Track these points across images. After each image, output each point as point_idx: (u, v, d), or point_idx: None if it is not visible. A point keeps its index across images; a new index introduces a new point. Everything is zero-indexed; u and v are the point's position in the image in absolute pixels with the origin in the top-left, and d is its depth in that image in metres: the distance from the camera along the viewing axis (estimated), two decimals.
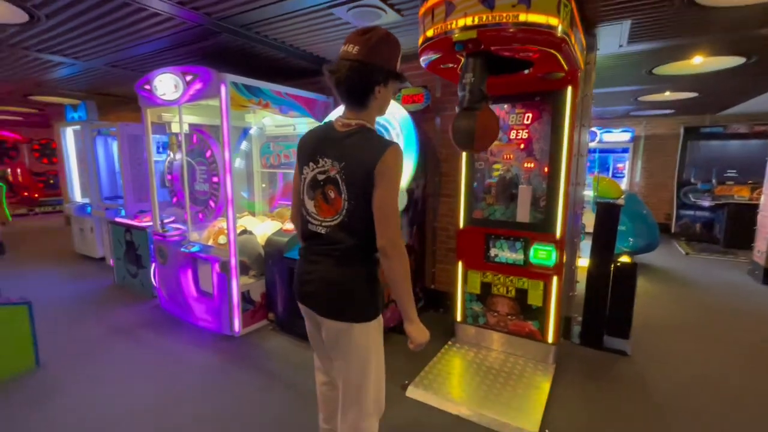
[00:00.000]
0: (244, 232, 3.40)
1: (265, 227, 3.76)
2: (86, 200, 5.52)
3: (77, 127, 5.35)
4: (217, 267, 3.08)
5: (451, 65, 2.15)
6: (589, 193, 5.17)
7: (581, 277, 3.13)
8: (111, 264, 4.70)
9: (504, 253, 2.76)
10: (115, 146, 5.32)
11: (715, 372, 2.69)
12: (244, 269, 3.21)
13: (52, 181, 10.18)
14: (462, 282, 2.94)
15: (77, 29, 2.86)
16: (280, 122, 4.18)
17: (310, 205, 1.32)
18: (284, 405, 2.31)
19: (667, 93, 5.16)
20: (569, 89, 2.39)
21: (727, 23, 2.58)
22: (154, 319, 3.53)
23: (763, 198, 4.83)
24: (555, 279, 2.57)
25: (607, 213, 2.91)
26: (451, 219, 3.51)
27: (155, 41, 3.13)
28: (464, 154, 2.84)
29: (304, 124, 3.96)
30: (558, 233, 2.53)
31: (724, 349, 3.01)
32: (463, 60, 2.03)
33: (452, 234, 3.52)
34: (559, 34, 1.75)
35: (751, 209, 5.91)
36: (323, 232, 1.29)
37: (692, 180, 6.96)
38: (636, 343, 3.00)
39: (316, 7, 2.36)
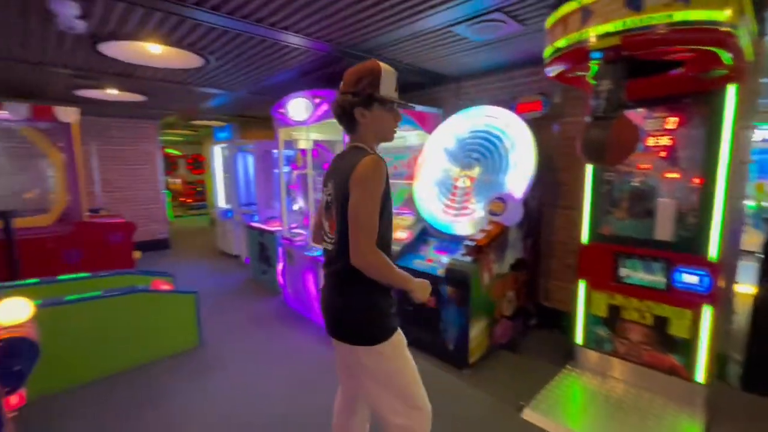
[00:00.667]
0: None
1: None
2: (228, 206, 6.55)
3: (224, 145, 6.39)
4: None
5: (580, 73, 2.02)
6: (750, 205, 4.29)
7: (740, 308, 2.61)
8: (246, 261, 5.48)
9: (638, 274, 2.47)
10: (250, 160, 6.21)
11: None
12: None
13: (199, 189, 12.31)
14: (585, 302, 2.71)
15: (235, 67, 3.45)
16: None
17: (326, 225, 1.42)
18: None
19: None
20: (731, 88, 2.04)
21: None
22: (281, 313, 4.02)
23: None
24: (709, 309, 2.20)
25: None
26: (569, 233, 3.26)
27: (289, 71, 3.59)
28: (588, 163, 2.62)
29: (415, 136, 4.10)
30: (714, 255, 2.16)
31: None
32: (595, 67, 1.90)
33: (571, 249, 3.26)
34: (724, 29, 1.52)
35: None
36: (329, 248, 1.39)
37: None
38: None
39: (435, 27, 2.45)
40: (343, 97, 1.31)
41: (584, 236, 2.68)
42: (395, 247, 3.30)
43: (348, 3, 2.14)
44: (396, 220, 4.35)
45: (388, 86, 1.31)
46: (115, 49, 2.87)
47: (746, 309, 2.54)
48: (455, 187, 3.36)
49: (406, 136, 4.25)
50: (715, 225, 2.15)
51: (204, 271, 5.69)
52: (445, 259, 2.99)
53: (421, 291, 1.38)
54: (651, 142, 2.45)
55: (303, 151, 4.04)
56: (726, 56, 1.73)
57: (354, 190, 1.23)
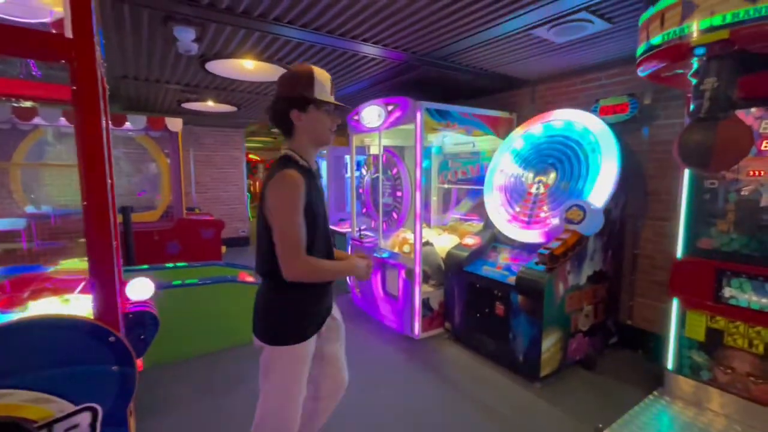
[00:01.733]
0: (426, 243, 3.68)
1: (442, 240, 3.99)
2: None
3: None
4: (402, 273, 3.44)
5: (679, 71, 1.86)
6: None
7: None
8: None
9: (745, 296, 2.18)
10: (324, 165, 6.58)
11: None
12: (425, 278, 3.48)
13: None
14: (678, 323, 2.45)
15: None
16: (459, 140, 4.38)
17: None
18: (466, 416, 2.40)
19: None
20: None
21: None
22: (349, 312, 4.18)
23: None
24: None
25: None
26: (658, 246, 2.98)
27: (364, 81, 3.77)
28: (686, 172, 2.38)
29: (486, 141, 4.05)
30: None
31: None
32: (696, 64, 1.74)
33: (658, 263, 2.98)
34: None
35: None
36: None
37: None
38: None
39: (514, 31, 2.42)
40: (277, 100, 1.36)
41: (679, 250, 2.43)
42: (463, 253, 3.28)
43: (426, 13, 2.21)
44: (464, 227, 4.33)
45: (321, 89, 1.36)
46: (218, 66, 3.27)
47: None
48: (528, 194, 3.25)
49: (475, 141, 4.22)
50: None
51: None
52: (515, 266, 2.90)
53: (358, 271, 1.47)
54: (765, 145, 2.16)
55: (375, 156, 4.20)
56: None
57: (270, 209, 1.28)
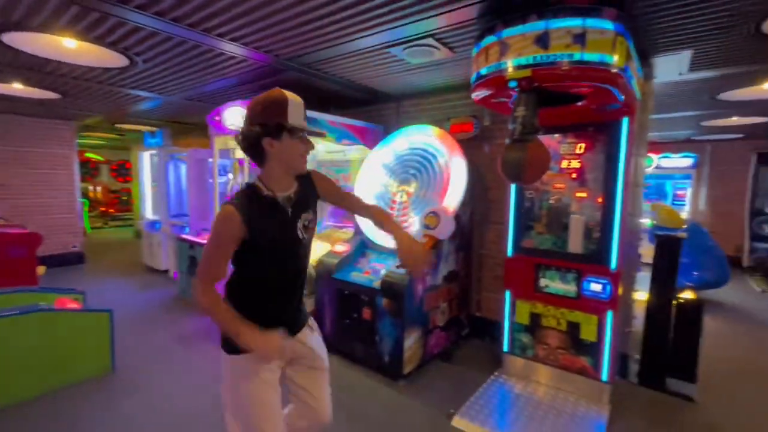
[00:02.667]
0: None
1: (315, 248, 3.95)
2: (156, 217, 6.08)
3: (154, 151, 5.97)
4: None
5: (503, 99, 2.22)
6: (646, 222, 4.91)
7: (638, 312, 2.97)
8: (174, 276, 5.11)
9: (555, 284, 2.71)
10: (183, 169, 5.86)
11: None
12: None
13: (125, 198, 11.29)
14: (510, 312, 2.90)
15: (166, 71, 3.28)
16: (332, 148, 4.42)
17: None
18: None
19: (735, 118, 4.85)
20: (625, 120, 2.36)
21: None
22: (212, 331, 3.78)
23: None
24: (610, 313, 2.47)
25: (668, 246, 2.77)
26: (498, 246, 3.49)
27: (227, 79, 3.49)
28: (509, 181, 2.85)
29: (356, 151, 4.17)
30: (613, 265, 2.45)
31: None
32: (515, 95, 2.10)
33: (500, 261, 3.49)
34: (614, 71, 1.78)
35: None
36: None
37: (766, 210, 6.37)
38: (704, 388, 2.76)
39: (374, 46, 2.56)
40: (249, 128, 1.27)
41: (509, 249, 2.89)
42: (333, 260, 3.29)
43: (287, 16, 2.16)
44: (338, 234, 4.36)
45: (295, 115, 1.29)
46: (20, 40, 2.60)
47: (642, 313, 2.89)
48: (393, 201, 3.46)
49: (346, 149, 4.32)
50: (614, 239, 2.44)
51: (125, 287, 5.19)
52: (382, 271, 3.04)
53: (252, 344, 1.26)
54: (564, 164, 2.73)
55: (241, 160, 3.92)
56: (617, 93, 2.01)
57: None
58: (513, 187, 2.86)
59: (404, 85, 3.63)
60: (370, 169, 3.68)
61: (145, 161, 6.40)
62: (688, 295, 2.80)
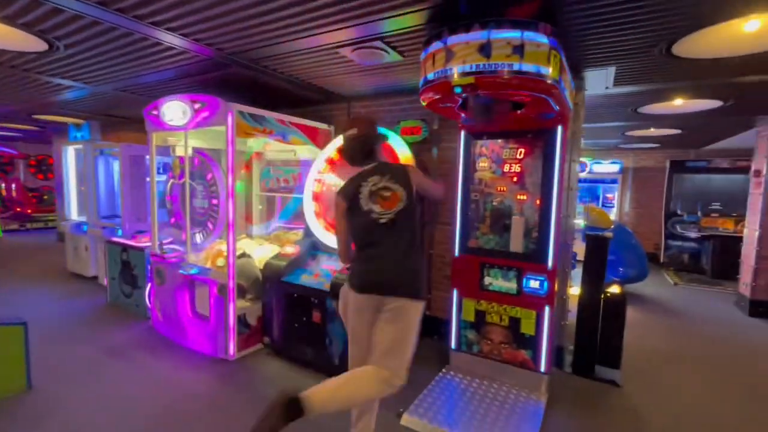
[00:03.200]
0: (243, 255, 3.44)
1: (262, 251, 3.81)
2: (83, 218, 5.53)
3: (79, 146, 5.43)
4: (214, 290, 3.10)
5: (449, 105, 2.29)
6: (580, 223, 5.31)
7: (573, 306, 3.20)
8: (104, 283, 4.68)
9: (498, 282, 2.84)
10: (116, 166, 5.39)
11: (705, 404, 2.74)
12: (241, 292, 3.23)
13: (45, 197, 10.14)
14: (457, 310, 3.00)
15: (93, 58, 2.99)
16: (282, 147, 4.30)
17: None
18: None
19: (652, 129, 5.42)
20: (560, 128, 2.54)
21: (701, 72, 2.79)
22: (148, 341, 3.51)
23: (746, 231, 5.01)
24: (547, 308, 2.64)
25: (597, 244, 3.02)
26: (447, 246, 3.59)
27: (166, 71, 3.27)
28: (459, 184, 2.96)
29: (306, 151, 4.09)
30: (550, 264, 2.62)
31: (714, 381, 3.07)
32: (460, 100, 2.19)
33: (448, 261, 3.59)
34: (549, 82, 1.90)
35: (736, 241, 6.10)
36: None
37: (679, 212, 7.18)
38: (627, 373, 3.04)
39: (323, 46, 2.52)
40: (368, 137, 1.94)
41: (456, 249, 2.99)
42: (281, 263, 3.20)
43: (230, 9, 2.06)
44: (288, 236, 4.25)
45: None
46: None
47: (576, 307, 3.12)
48: None
49: (296, 149, 4.22)
50: (550, 239, 2.61)
51: (46, 297, 4.66)
52: (332, 273, 3.00)
53: None
54: (507, 168, 2.88)
55: (182, 158, 3.68)
56: (553, 103, 2.16)
57: (420, 183, 1.98)
58: (459, 188, 2.96)
59: (355, 87, 3.62)
60: (320, 170, 3.62)
61: (70, 156, 5.81)
62: (614, 289, 3.07)
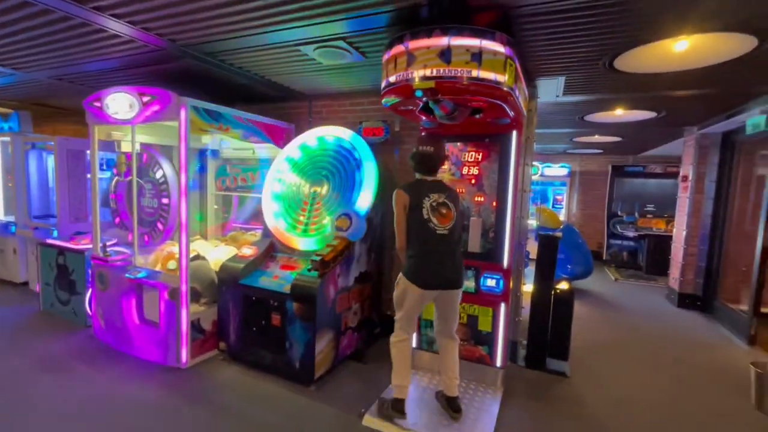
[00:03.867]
0: (197, 257, 3.28)
1: (218, 252, 3.66)
2: (10, 218, 5.00)
3: (6, 138, 4.90)
4: (165, 294, 2.93)
5: (411, 107, 2.32)
6: (533, 223, 5.60)
7: (526, 302, 3.37)
8: (36, 290, 4.26)
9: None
10: (50, 161, 4.93)
11: (641, 388, 2.99)
12: (194, 296, 3.08)
13: None
14: None
15: (23, 42, 2.72)
16: (238, 145, 4.15)
17: (435, 220, 2.33)
18: None
19: (596, 136, 5.83)
20: (514, 133, 2.67)
21: (638, 85, 3.05)
22: (89, 350, 3.24)
23: (675, 230, 5.53)
24: (503, 306, 2.76)
25: (548, 244, 3.20)
26: None
27: (110, 60, 3.04)
28: None
29: (266, 149, 3.98)
30: (505, 263, 2.74)
31: (648, 368, 3.36)
32: (421, 103, 2.23)
33: None
34: (505, 89, 1.99)
35: (668, 240, 6.72)
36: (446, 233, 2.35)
37: (619, 213, 7.78)
38: (574, 364, 3.25)
39: (284, 43, 2.47)
40: (439, 157, 2.40)
41: None
42: (239, 265, 3.09)
43: None
44: (246, 236, 4.11)
45: None
46: None
47: (529, 303, 3.28)
48: (305, 203, 3.38)
49: (255, 147, 4.10)
50: (506, 239, 2.73)
51: None
52: (292, 275, 2.94)
53: None
54: (465, 170, 2.97)
55: (128, 154, 3.44)
56: (508, 109, 2.26)
57: (466, 210, 2.77)
58: None
59: (317, 85, 3.58)
60: (280, 168, 3.55)
61: None
62: (563, 285, 3.27)
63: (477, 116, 2.47)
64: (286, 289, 2.79)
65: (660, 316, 4.85)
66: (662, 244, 6.77)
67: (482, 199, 2.90)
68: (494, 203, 2.82)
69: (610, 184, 7.95)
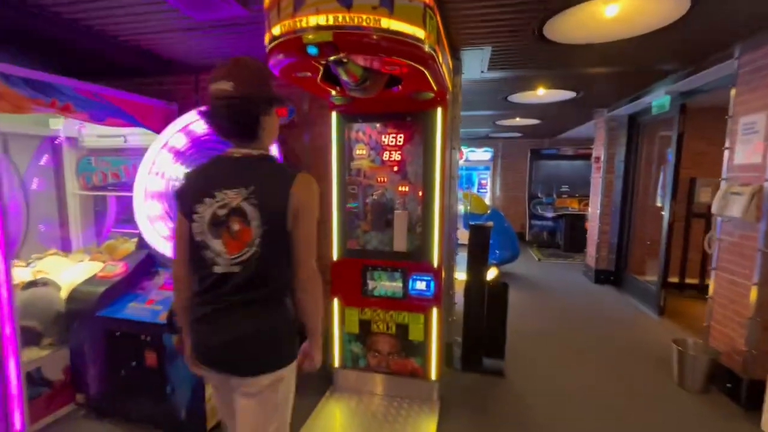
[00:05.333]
0: (36, 282, 2.43)
1: (76, 272, 2.80)
2: None
3: None
4: None
5: (308, 74, 1.79)
6: (461, 208, 5.44)
7: (458, 291, 3.09)
8: None
9: (383, 286, 2.51)
10: None
11: (575, 378, 2.89)
12: (32, 338, 2.26)
13: None
14: (339, 322, 2.58)
15: None
16: (105, 132, 3.26)
17: (217, 244, 1.16)
18: None
19: (518, 119, 5.82)
20: (439, 110, 2.28)
21: (565, 59, 2.86)
22: None
23: (590, 210, 5.77)
24: (435, 311, 2.41)
25: (479, 235, 2.93)
26: (325, 247, 3.14)
27: None
28: (334, 177, 2.52)
29: (137, 135, 3.15)
30: (436, 262, 2.38)
31: (576, 353, 3.30)
32: (322, 70, 1.72)
33: (327, 264, 3.15)
34: (426, 49, 1.56)
35: (581, 218, 7.09)
36: (236, 270, 1.15)
37: (539, 194, 8.08)
38: (509, 359, 3.03)
39: None
40: (242, 101, 1.14)
41: (335, 252, 2.55)
42: (96, 290, 2.33)
43: None
44: (127, 245, 3.26)
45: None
46: None
47: (461, 294, 3.00)
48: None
49: (127, 134, 3.25)
50: (435, 235, 2.36)
51: None
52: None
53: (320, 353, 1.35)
54: (386, 156, 2.53)
55: None
56: (431, 78, 1.85)
57: (305, 213, 1.19)
58: (335, 183, 2.52)
59: (200, 53, 2.85)
60: (159, 160, 2.78)
61: None
62: (492, 272, 3.03)
63: (395, 89, 2.03)
64: (163, 317, 2.12)
65: (580, 294, 5.01)
66: (577, 222, 7.15)
67: (407, 188, 2.49)
68: (420, 193, 2.43)
69: (529, 167, 8.21)
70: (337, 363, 2.62)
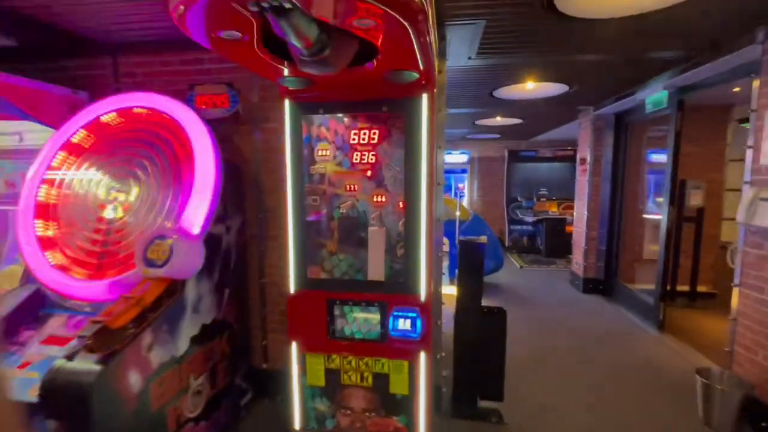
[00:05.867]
0: None
1: None
2: None
3: None
4: None
5: (237, 34, 1.21)
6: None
7: (446, 308, 2.58)
8: None
9: (355, 323, 1.95)
10: None
11: (592, 424, 2.43)
12: None
13: None
14: (299, 371, 2.00)
15: None
16: None
17: None
18: None
19: (498, 118, 5.43)
20: (425, 96, 1.76)
21: (572, 39, 2.41)
22: None
23: (576, 214, 5.44)
24: (423, 356, 1.87)
25: (471, 253, 2.43)
26: (282, 270, 2.55)
27: None
28: (289, 185, 1.94)
29: (35, 132, 2.44)
30: (423, 293, 1.84)
31: (589, 391, 2.85)
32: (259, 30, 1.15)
33: (285, 291, 2.56)
34: (417, 2, 1.03)
35: (561, 223, 6.80)
36: None
37: (519, 198, 7.77)
38: (508, 399, 2.55)
39: None
40: None
41: (291, 283, 1.97)
42: None
43: None
44: (18, 269, 2.52)
45: None
46: None
47: (447, 310, 2.51)
48: (100, 219, 2.04)
49: (23, 131, 2.53)
50: (422, 257, 1.83)
51: None
52: (59, 356, 1.61)
53: None
54: (356, 158, 1.98)
55: None
56: (418, 49, 1.32)
57: None
58: (289, 191, 1.94)
59: (120, 27, 2.22)
60: (53, 162, 2.12)
61: None
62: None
63: (368, 65, 1.48)
64: (33, 392, 1.46)
65: (571, 306, 4.64)
66: (557, 227, 6.86)
67: (383, 198, 1.94)
68: (401, 204, 1.90)
69: (507, 170, 7.89)
70: (297, 425, 2.03)
